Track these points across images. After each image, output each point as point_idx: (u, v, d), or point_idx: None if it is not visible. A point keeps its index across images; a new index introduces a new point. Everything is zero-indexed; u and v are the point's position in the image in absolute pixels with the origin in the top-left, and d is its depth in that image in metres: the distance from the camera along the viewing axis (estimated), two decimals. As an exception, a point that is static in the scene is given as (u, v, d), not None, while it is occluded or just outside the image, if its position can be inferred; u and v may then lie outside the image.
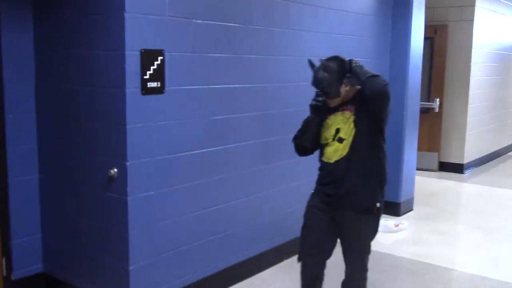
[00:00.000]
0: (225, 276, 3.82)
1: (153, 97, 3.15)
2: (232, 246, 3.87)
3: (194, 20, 3.37)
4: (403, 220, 5.48)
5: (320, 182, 3.03)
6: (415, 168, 6.03)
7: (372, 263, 4.42)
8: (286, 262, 4.39)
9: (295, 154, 3.17)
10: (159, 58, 3.15)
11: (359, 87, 2.85)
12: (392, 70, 5.59)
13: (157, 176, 3.24)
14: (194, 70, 3.43)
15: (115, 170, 3.09)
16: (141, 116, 3.10)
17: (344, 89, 2.84)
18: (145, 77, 3.09)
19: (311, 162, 4.57)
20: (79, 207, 3.41)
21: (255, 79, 3.91)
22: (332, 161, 2.91)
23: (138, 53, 3.03)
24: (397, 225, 5.28)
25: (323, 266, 3.13)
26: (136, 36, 3.02)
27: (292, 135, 4.31)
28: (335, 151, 2.90)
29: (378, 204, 2.92)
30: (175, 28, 3.25)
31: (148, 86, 3.11)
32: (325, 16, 4.56)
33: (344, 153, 2.86)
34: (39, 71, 3.50)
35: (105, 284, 3.32)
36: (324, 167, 2.99)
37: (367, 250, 3.07)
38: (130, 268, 3.14)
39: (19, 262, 3.54)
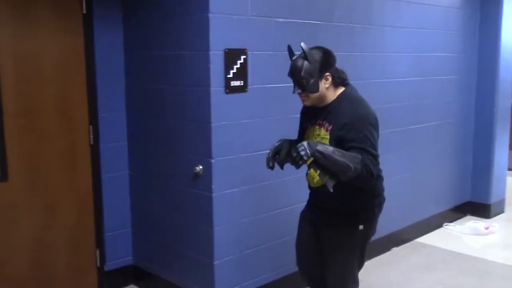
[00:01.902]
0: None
1: (236, 95, 3.21)
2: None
3: (276, 19, 3.39)
4: (494, 223, 5.20)
5: (309, 193, 2.85)
6: (506, 168, 5.70)
7: (461, 266, 4.26)
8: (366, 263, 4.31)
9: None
10: (242, 57, 3.20)
11: (342, 89, 2.58)
12: (481, 66, 5.32)
13: (240, 173, 3.29)
14: (276, 68, 3.44)
15: (200, 167, 3.18)
16: (225, 114, 3.17)
17: (324, 85, 2.53)
18: (228, 76, 3.15)
19: (392, 163, 4.47)
20: (166, 202, 3.54)
21: (336, 77, 3.87)
22: (312, 185, 2.72)
23: (222, 52, 3.10)
24: (487, 228, 5.03)
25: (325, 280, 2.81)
26: (220, 36, 3.09)
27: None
28: (312, 178, 2.68)
29: (361, 227, 2.62)
30: (258, 27, 3.29)
31: (232, 85, 3.17)
32: (408, 10, 4.43)
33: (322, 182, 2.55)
34: (129, 72, 3.68)
35: (191, 278, 3.42)
36: (308, 184, 2.79)
37: (346, 270, 2.69)
38: (215, 263, 3.21)
39: (111, 254, 3.74)
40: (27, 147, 3.29)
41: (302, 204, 3.71)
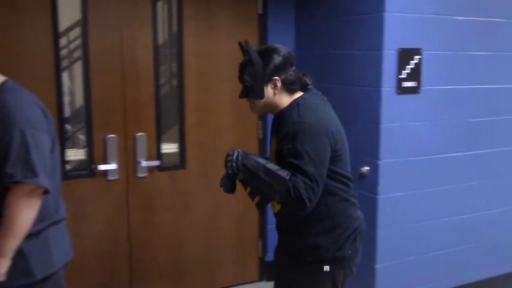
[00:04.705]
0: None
1: (407, 96, 3.11)
2: (475, 261, 3.60)
3: (454, 17, 3.22)
4: None
5: None
6: None
7: None
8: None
9: None
10: (416, 57, 3.10)
11: (299, 94, 2.14)
12: None
13: (406, 177, 3.19)
14: (452, 69, 3.28)
15: (367, 168, 3.14)
16: (395, 115, 3.09)
17: (271, 91, 2.11)
18: (400, 76, 3.07)
19: None
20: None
21: (519, 79, 3.56)
22: (274, 210, 2.24)
23: (395, 52, 3.03)
24: None
25: None
26: (394, 35, 3.02)
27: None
28: (274, 204, 2.21)
29: (326, 268, 2.10)
30: (434, 25, 3.15)
31: (404, 85, 3.08)
32: None
33: (279, 206, 2.15)
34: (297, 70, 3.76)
35: (351, 279, 3.40)
36: None
37: None
38: (377, 266, 3.16)
39: (272, 245, 3.84)
40: (203, 139, 3.54)
41: (473, 215, 3.50)
